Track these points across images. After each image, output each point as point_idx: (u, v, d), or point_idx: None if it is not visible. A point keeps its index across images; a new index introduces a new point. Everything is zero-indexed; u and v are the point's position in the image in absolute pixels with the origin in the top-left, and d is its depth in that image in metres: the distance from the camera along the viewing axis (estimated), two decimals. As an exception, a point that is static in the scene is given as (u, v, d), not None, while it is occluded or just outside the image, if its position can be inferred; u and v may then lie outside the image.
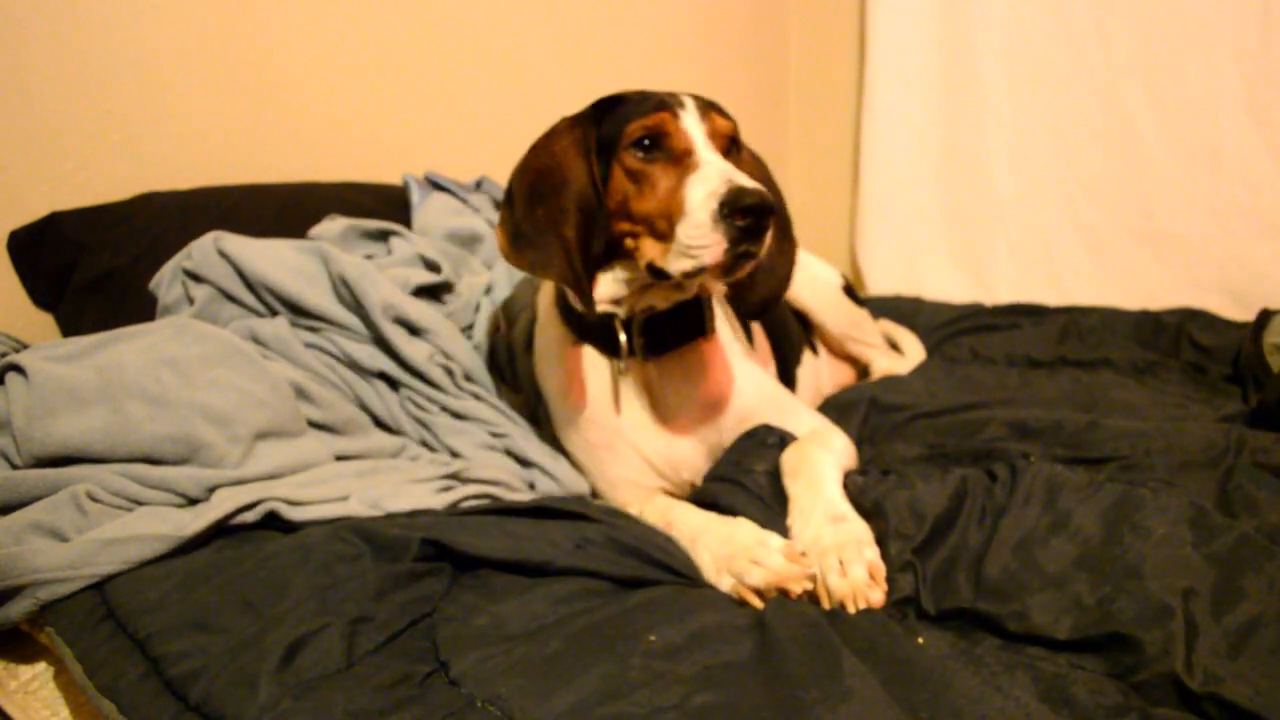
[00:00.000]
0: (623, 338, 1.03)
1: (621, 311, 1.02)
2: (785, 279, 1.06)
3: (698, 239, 0.88)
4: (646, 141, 0.94)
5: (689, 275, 0.91)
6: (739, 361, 1.12)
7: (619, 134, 0.96)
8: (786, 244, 1.06)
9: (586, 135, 0.99)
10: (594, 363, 1.07)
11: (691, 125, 0.95)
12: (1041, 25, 2.23)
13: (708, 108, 0.97)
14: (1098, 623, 0.66)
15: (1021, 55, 2.27)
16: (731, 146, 0.98)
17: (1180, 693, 0.57)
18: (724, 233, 0.86)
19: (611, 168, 0.97)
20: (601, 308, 1.01)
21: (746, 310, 1.06)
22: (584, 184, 0.97)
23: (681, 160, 0.93)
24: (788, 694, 0.55)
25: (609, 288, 1.01)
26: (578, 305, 1.00)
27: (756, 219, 0.86)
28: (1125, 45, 2.11)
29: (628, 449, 1.07)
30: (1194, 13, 2.01)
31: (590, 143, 0.98)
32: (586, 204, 0.97)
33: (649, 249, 0.94)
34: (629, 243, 0.97)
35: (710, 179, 0.89)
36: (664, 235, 0.92)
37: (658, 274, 0.94)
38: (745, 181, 0.87)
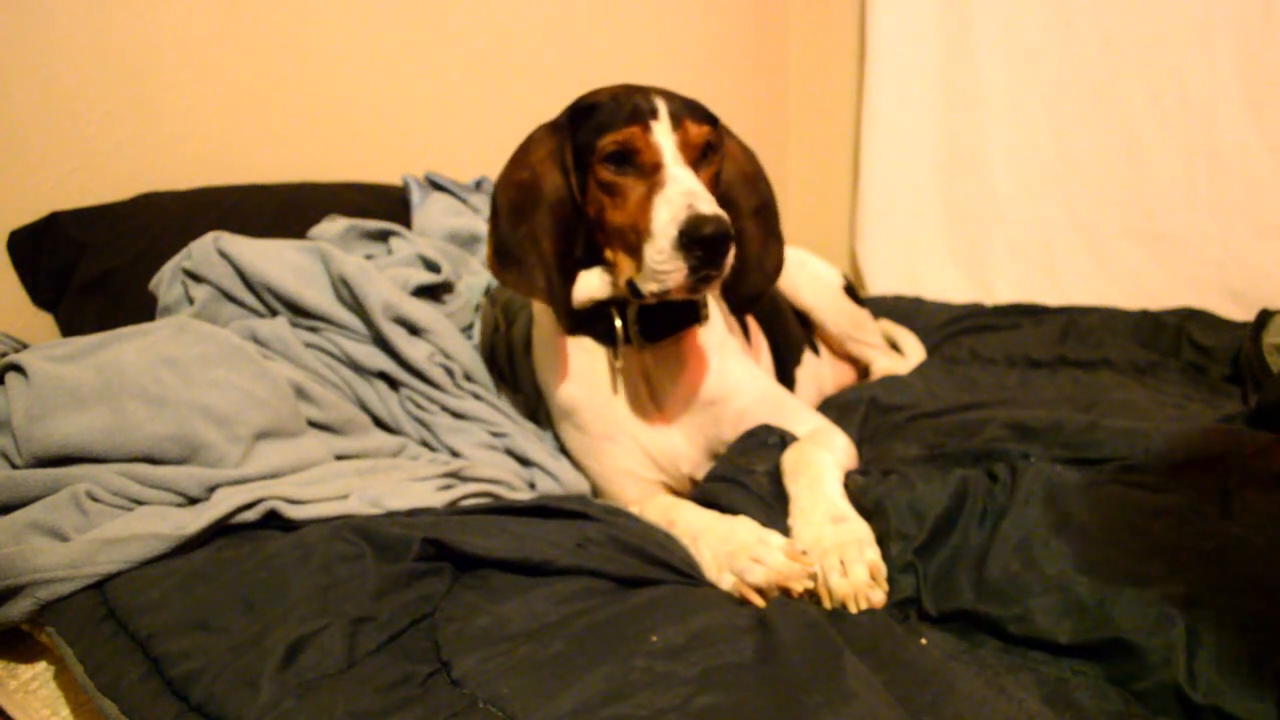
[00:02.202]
0: (618, 324, 1.04)
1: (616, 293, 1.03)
2: (773, 273, 1.07)
3: (661, 264, 0.90)
4: (618, 155, 0.95)
5: (657, 295, 0.94)
6: (736, 358, 1.12)
7: (592, 146, 0.96)
8: (773, 239, 1.07)
9: (562, 145, 0.99)
10: (591, 354, 1.07)
11: (662, 138, 0.94)
12: (1041, 25, 2.23)
13: (682, 115, 0.96)
14: (1098, 627, 0.66)
15: (1021, 55, 2.27)
16: (707, 152, 0.98)
17: (1182, 703, 0.57)
18: (684, 260, 0.88)
19: (588, 177, 0.97)
20: (587, 303, 1.03)
21: (735, 304, 1.07)
22: (562, 195, 0.99)
23: (651, 175, 0.93)
24: (790, 696, 0.55)
25: (598, 288, 1.02)
26: (560, 321, 1.01)
27: (715, 249, 0.87)
28: (1125, 45, 2.11)
29: (627, 439, 1.08)
30: (1194, 13, 2.01)
31: (566, 153, 0.99)
32: (565, 215, 0.99)
33: (625, 265, 0.96)
34: (608, 254, 0.99)
35: (673, 200, 0.89)
36: (635, 251, 0.93)
37: (635, 292, 0.96)
38: (705, 208, 0.87)
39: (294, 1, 1.52)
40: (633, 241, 0.93)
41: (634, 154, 0.94)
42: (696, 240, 0.86)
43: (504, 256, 1.02)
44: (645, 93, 0.97)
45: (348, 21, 1.61)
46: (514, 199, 1.00)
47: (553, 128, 1.02)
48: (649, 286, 0.93)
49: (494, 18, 1.86)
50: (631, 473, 1.08)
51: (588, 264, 1.02)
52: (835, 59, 2.65)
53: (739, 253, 1.03)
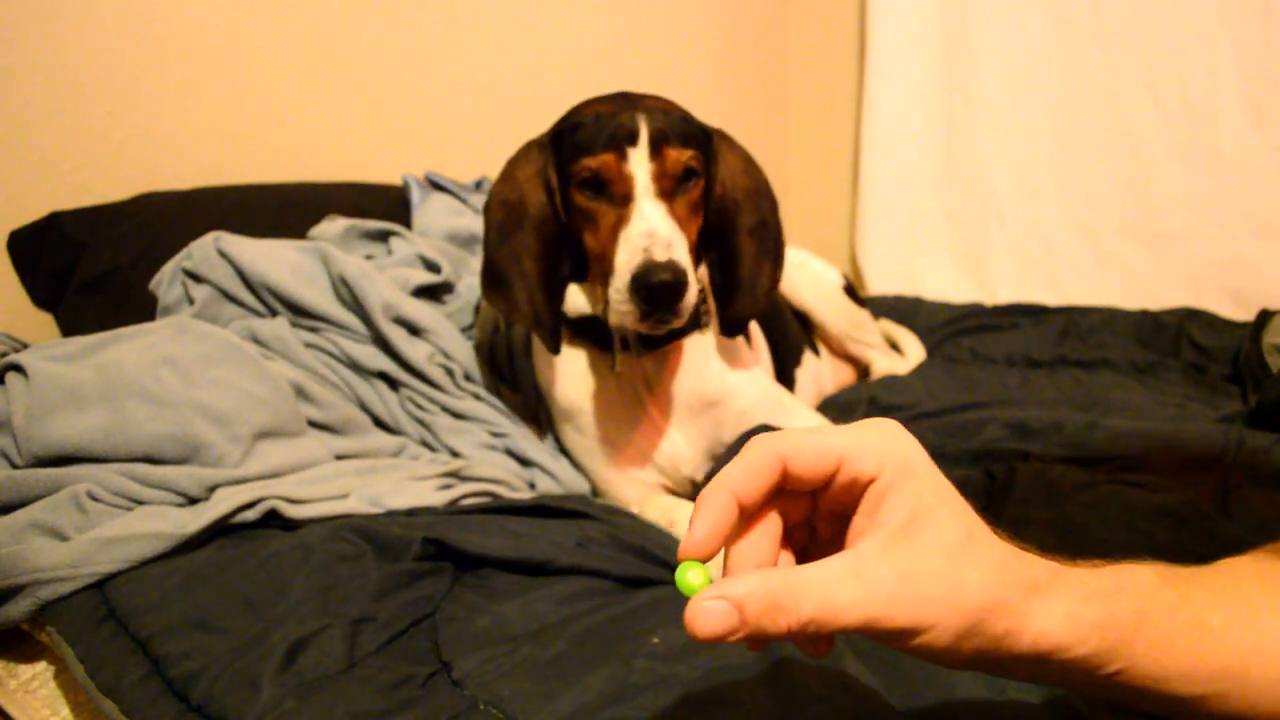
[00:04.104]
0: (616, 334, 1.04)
1: None
2: (764, 296, 1.05)
3: (619, 303, 0.90)
4: (592, 181, 0.94)
5: (616, 328, 0.95)
6: (735, 358, 1.12)
7: (570, 168, 0.95)
8: (767, 259, 1.05)
9: (547, 163, 0.99)
10: (591, 358, 1.07)
11: (636, 167, 0.92)
12: (1041, 26, 2.23)
13: (663, 139, 0.93)
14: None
15: (1021, 55, 2.27)
16: (688, 176, 0.96)
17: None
18: (635, 304, 0.88)
19: (570, 198, 0.97)
20: (579, 316, 1.04)
21: (722, 324, 1.06)
22: (546, 215, 0.98)
23: (622, 206, 0.93)
24: (791, 697, 0.55)
25: (586, 304, 1.02)
26: (544, 343, 1.01)
27: (664, 297, 0.87)
28: (1125, 46, 2.11)
29: (627, 442, 1.08)
30: (1194, 13, 2.01)
31: (550, 171, 0.98)
32: (550, 234, 0.99)
33: (599, 291, 0.96)
34: (591, 275, 0.99)
35: (633, 241, 0.89)
36: (605, 280, 0.93)
37: (605, 318, 0.96)
38: (660, 254, 0.87)
39: (294, 1, 1.52)
40: (605, 269, 0.94)
41: (607, 183, 0.93)
42: (645, 287, 0.86)
43: (492, 277, 1.02)
44: (631, 110, 0.94)
45: (348, 21, 1.60)
46: (501, 219, 1.01)
47: (539, 145, 1.01)
48: (611, 318, 0.93)
49: (494, 18, 1.86)
50: (632, 476, 1.08)
51: (577, 279, 1.02)
52: (835, 60, 2.65)
53: (733, 271, 1.02)
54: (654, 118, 0.94)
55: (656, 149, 0.93)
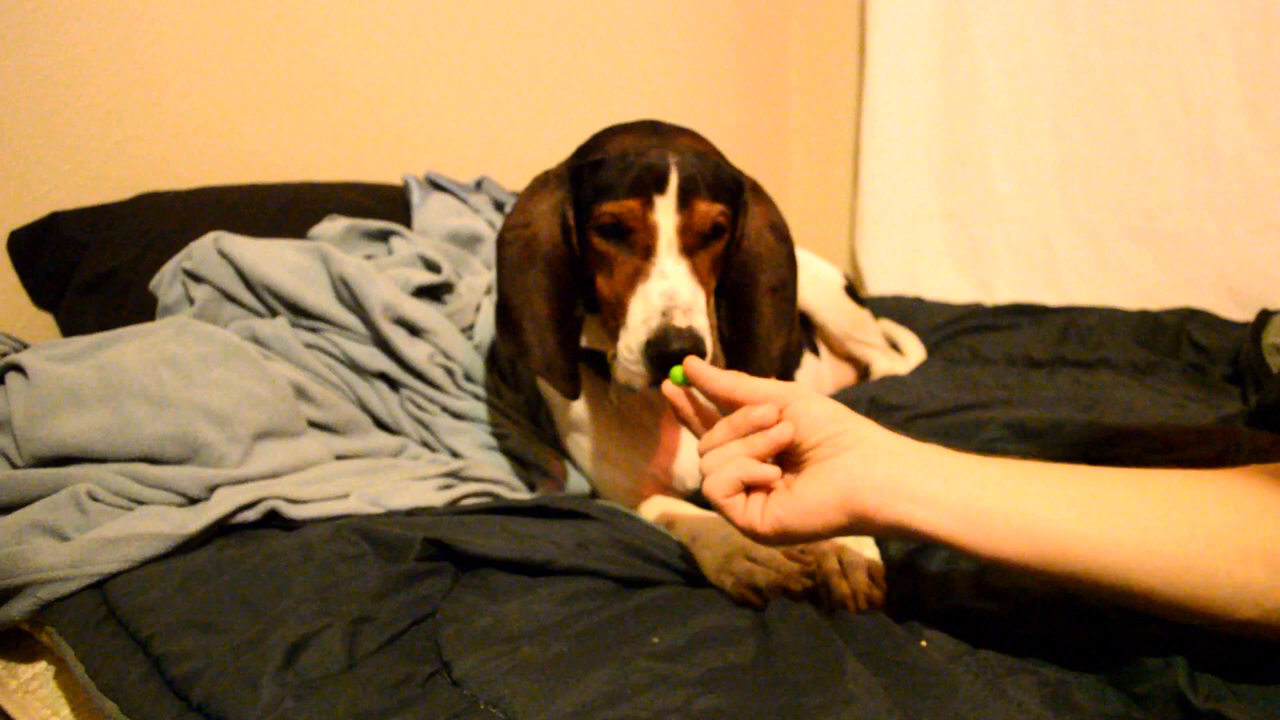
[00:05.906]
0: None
1: None
2: (776, 359, 0.99)
3: (630, 362, 0.84)
4: (613, 228, 0.88)
5: (622, 386, 0.89)
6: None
7: (590, 209, 0.89)
8: (784, 323, 1.00)
9: (565, 199, 0.93)
10: (592, 381, 1.06)
11: (663, 217, 0.85)
12: (1041, 25, 2.23)
13: (693, 191, 0.86)
14: (1097, 628, 0.66)
15: (1021, 55, 2.27)
16: (715, 232, 0.90)
17: (1183, 707, 0.57)
18: (647, 369, 0.82)
19: (587, 237, 0.91)
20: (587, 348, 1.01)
21: None
22: (561, 253, 0.93)
23: (644, 256, 0.86)
24: (790, 699, 0.55)
25: (596, 339, 1.00)
26: (557, 389, 0.96)
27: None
28: (1125, 45, 2.12)
29: (628, 457, 1.07)
30: (1194, 13, 2.01)
31: (568, 208, 0.93)
32: (563, 273, 0.94)
33: (608, 341, 0.92)
34: (601, 315, 0.94)
35: (651, 300, 0.83)
36: (615, 330, 0.89)
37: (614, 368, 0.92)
38: (680, 320, 0.81)
39: (294, 2, 1.52)
40: (615, 314, 0.88)
41: (629, 231, 0.87)
42: (661, 355, 0.80)
43: (504, 317, 0.97)
44: (661, 149, 0.87)
45: (348, 21, 1.61)
46: (514, 254, 0.95)
47: (556, 177, 0.95)
48: (619, 375, 0.87)
49: (494, 18, 1.86)
50: (632, 489, 1.08)
51: (589, 311, 0.98)
52: (835, 59, 2.65)
53: (748, 330, 0.98)
54: (685, 162, 0.86)
55: (685, 200, 0.86)
